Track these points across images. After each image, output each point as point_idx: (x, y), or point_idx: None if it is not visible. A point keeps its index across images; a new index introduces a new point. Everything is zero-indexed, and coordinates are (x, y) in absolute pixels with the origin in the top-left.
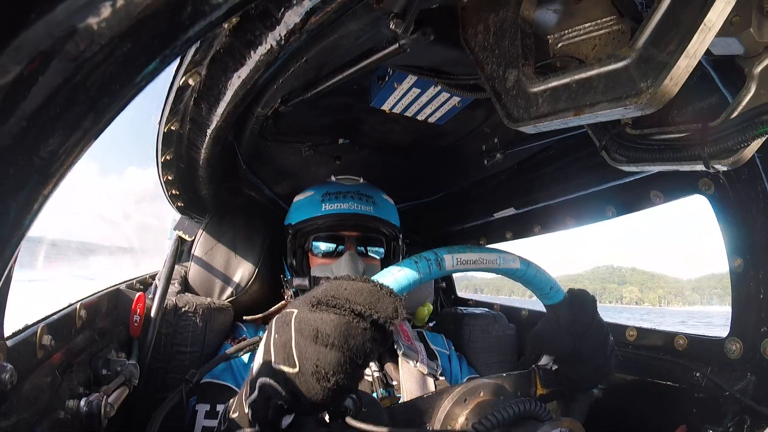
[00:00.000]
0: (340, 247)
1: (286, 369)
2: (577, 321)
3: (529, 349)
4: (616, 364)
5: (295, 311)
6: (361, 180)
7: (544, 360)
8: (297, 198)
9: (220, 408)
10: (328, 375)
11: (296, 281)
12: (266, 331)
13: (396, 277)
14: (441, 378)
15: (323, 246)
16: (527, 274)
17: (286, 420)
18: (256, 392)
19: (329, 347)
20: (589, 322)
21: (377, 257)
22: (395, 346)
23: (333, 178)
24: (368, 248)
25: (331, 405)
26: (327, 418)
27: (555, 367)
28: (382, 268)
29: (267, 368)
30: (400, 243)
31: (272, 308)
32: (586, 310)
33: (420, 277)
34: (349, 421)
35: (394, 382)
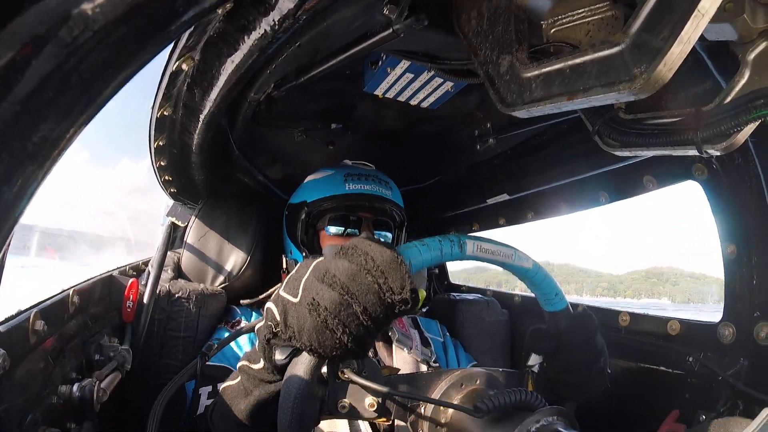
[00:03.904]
0: (353, 230)
1: (288, 297)
2: (575, 335)
3: (525, 346)
4: (602, 386)
5: (322, 257)
6: (373, 167)
7: (533, 359)
8: (312, 177)
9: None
10: (320, 309)
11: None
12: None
13: (419, 249)
14: (435, 365)
15: (340, 225)
16: (537, 276)
17: (280, 354)
18: (263, 317)
19: (331, 286)
20: (584, 342)
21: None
22: (389, 333)
23: (349, 162)
24: (379, 232)
25: (318, 346)
26: (326, 376)
27: (538, 367)
28: None
29: (275, 296)
30: (404, 231)
31: (269, 291)
32: (587, 330)
33: (441, 256)
34: (349, 374)
35: None
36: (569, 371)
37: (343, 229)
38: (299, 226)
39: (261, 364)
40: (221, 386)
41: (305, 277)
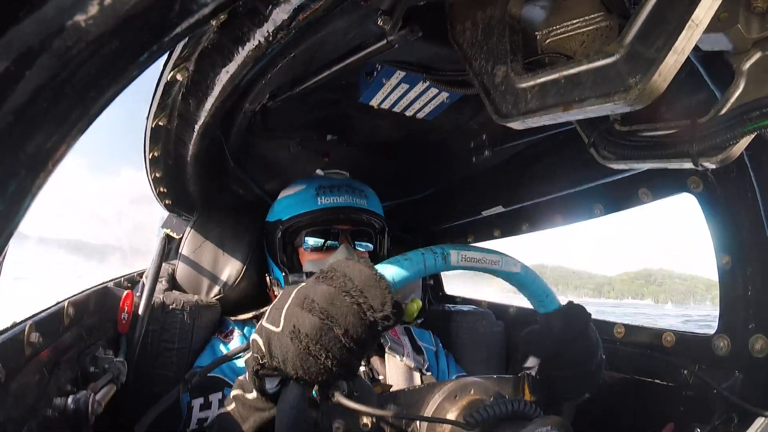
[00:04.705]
0: (332, 242)
1: (271, 327)
2: (568, 331)
3: (520, 349)
4: (600, 379)
5: (305, 283)
6: (347, 174)
7: (531, 362)
8: (284, 193)
9: (212, 399)
10: (301, 335)
11: (292, 278)
12: (279, 295)
13: (402, 264)
14: (427, 373)
15: (318, 240)
16: (525, 280)
17: (270, 383)
18: (250, 349)
19: (311, 312)
20: (578, 334)
21: (366, 251)
22: (381, 341)
23: (321, 172)
24: (360, 242)
25: (303, 373)
26: (317, 398)
27: (536, 369)
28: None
29: (259, 327)
30: (386, 237)
31: (262, 310)
32: (579, 322)
33: (425, 269)
34: (339, 398)
35: (380, 377)
36: (568, 369)
37: (322, 242)
38: (277, 245)
39: (254, 394)
40: (218, 412)
41: (286, 305)
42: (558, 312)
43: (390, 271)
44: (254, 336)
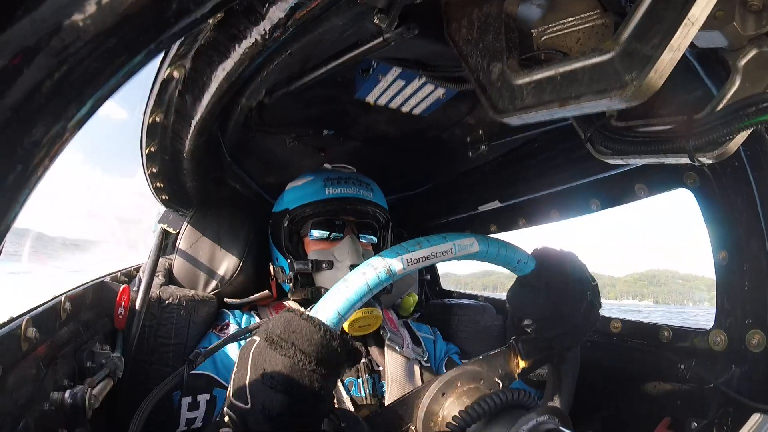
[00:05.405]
0: (336, 234)
1: (240, 405)
2: (552, 289)
3: (510, 313)
4: (597, 317)
5: (257, 342)
6: (354, 170)
7: (527, 321)
8: (293, 184)
9: (200, 398)
10: (273, 414)
11: (297, 265)
12: (237, 358)
13: (346, 296)
14: (426, 364)
15: (323, 233)
16: (489, 254)
17: None
18: (226, 419)
19: (275, 389)
20: (562, 290)
21: (370, 244)
22: (381, 332)
23: (329, 166)
24: (364, 235)
25: None
26: None
27: (533, 328)
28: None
29: (228, 401)
30: (389, 232)
31: (256, 295)
32: (559, 273)
33: (369, 289)
34: None
35: (380, 368)
36: (563, 325)
37: (327, 233)
38: (283, 234)
39: None
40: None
41: (248, 378)
42: (534, 273)
43: (332, 306)
44: (227, 411)
